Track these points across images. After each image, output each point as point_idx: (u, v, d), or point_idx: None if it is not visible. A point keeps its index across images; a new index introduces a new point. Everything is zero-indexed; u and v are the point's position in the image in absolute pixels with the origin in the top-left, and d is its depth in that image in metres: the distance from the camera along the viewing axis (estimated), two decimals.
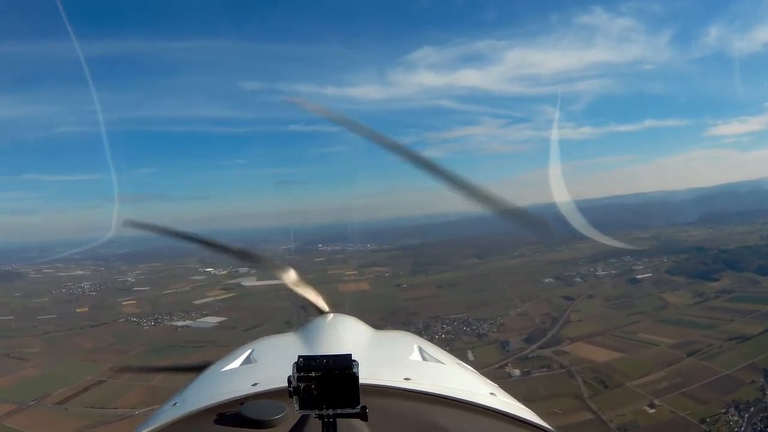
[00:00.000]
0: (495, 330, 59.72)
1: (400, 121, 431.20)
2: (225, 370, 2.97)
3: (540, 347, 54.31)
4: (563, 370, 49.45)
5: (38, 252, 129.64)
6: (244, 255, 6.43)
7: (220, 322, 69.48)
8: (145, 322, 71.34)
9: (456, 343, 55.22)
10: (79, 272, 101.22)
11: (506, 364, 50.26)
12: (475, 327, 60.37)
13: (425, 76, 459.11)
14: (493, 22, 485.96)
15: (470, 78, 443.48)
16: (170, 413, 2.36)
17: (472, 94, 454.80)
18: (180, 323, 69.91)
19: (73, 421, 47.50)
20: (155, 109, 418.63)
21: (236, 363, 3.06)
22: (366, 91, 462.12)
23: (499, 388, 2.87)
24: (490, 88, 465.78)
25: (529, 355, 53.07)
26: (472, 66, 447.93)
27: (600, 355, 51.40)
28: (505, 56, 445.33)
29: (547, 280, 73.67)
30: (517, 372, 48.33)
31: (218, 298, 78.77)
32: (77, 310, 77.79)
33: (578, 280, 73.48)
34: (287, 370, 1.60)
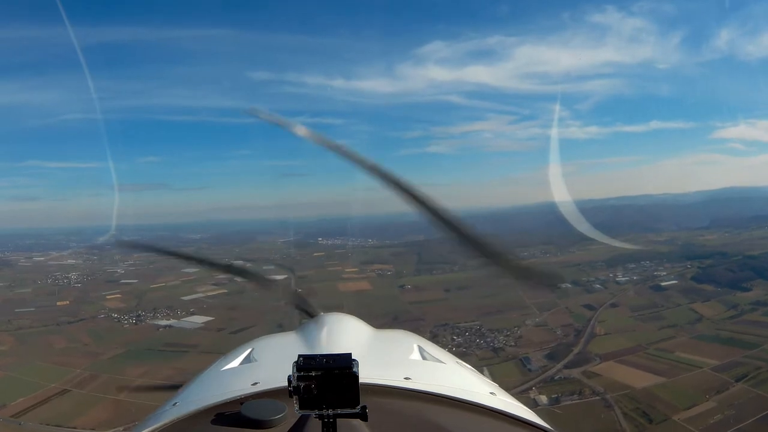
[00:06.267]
0: (512, 343, 50.40)
1: (407, 115, 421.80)
2: (225, 370, 2.81)
3: (566, 366, 45.10)
4: (597, 397, 40.26)
5: (35, 239, 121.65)
6: (243, 273, 6.00)
7: (206, 322, 60.52)
8: (126, 320, 62.35)
9: (470, 358, 45.54)
10: (70, 261, 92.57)
11: (530, 388, 40.91)
12: (489, 339, 51.07)
13: (434, 70, 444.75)
14: (504, 18, 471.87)
15: (479, 74, 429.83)
16: (170, 413, 2.24)
17: (481, 90, 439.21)
18: (163, 322, 60.86)
19: None
20: (160, 98, 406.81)
21: (236, 362, 2.89)
22: (374, 84, 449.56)
23: (499, 388, 2.71)
24: (498, 84, 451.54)
25: (555, 377, 43.89)
26: (482, 62, 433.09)
27: (637, 378, 42.29)
28: (515, 53, 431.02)
29: (563, 286, 64.47)
30: (543, 399, 38.96)
31: (208, 294, 69.43)
32: (58, 303, 69.13)
33: (598, 286, 64.46)
34: (287, 369, 1.55)
